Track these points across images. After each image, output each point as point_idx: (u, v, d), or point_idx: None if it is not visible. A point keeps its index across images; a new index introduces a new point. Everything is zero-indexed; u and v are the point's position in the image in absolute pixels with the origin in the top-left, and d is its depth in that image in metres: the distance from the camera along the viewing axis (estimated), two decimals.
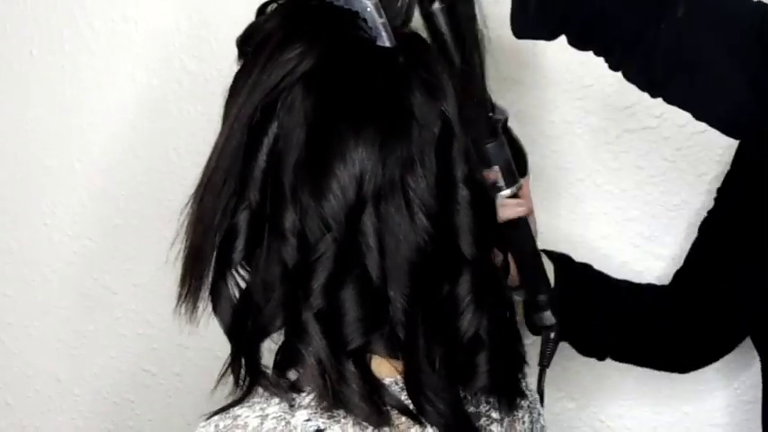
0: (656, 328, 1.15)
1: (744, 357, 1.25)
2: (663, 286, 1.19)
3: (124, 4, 1.44)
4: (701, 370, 1.21)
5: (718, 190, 1.14)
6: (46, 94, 1.52)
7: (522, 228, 1.04)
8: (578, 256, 1.18)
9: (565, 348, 1.34)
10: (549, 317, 1.09)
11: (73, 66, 1.49)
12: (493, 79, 1.26)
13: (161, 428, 1.61)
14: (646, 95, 1.23)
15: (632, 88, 1.23)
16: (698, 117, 0.85)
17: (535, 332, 1.13)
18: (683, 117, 1.23)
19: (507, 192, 1.01)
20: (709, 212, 1.15)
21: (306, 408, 0.73)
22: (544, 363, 1.10)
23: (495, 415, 0.82)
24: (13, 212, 1.60)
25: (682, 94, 0.83)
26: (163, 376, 1.58)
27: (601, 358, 1.18)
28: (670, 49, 0.79)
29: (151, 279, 1.51)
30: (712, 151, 1.14)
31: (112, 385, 1.62)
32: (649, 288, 1.20)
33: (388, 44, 0.78)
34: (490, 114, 0.98)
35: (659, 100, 1.22)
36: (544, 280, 1.09)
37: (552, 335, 1.10)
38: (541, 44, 1.26)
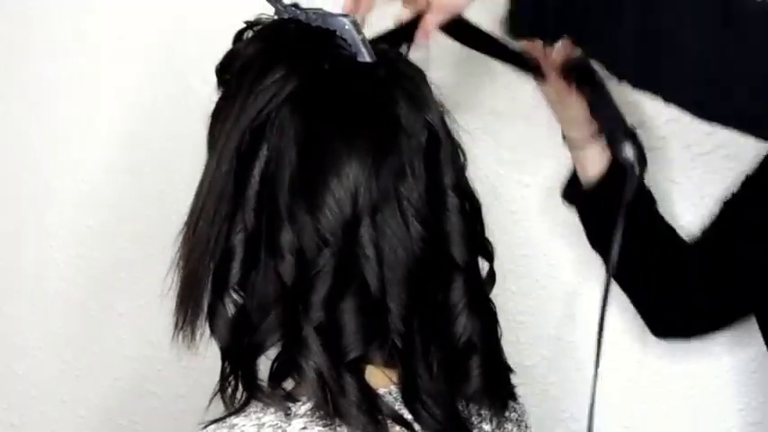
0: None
1: None
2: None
3: (132, 22, 1.46)
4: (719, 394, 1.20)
5: (747, 176, 1.11)
6: (51, 113, 1.54)
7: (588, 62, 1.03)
8: (588, 275, 1.17)
9: (565, 369, 1.34)
10: (629, 148, 1.07)
11: (79, 83, 1.51)
12: (499, 98, 1.27)
13: None
14: (651, 116, 1.24)
15: (636, 110, 1.24)
16: (668, 99, 0.85)
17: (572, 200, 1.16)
18: (687, 138, 1.24)
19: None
20: (732, 194, 1.12)
21: (302, 417, 0.74)
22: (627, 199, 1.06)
23: (486, 427, 0.83)
24: (18, 233, 1.61)
25: (652, 76, 0.83)
26: (168, 398, 1.58)
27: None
28: (638, 31, 0.80)
29: (156, 300, 1.50)
30: (717, 173, 1.14)
31: (118, 407, 1.62)
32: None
33: (368, 59, 0.80)
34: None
35: (664, 120, 1.23)
36: (617, 111, 1.08)
37: (636, 168, 1.07)
38: None
